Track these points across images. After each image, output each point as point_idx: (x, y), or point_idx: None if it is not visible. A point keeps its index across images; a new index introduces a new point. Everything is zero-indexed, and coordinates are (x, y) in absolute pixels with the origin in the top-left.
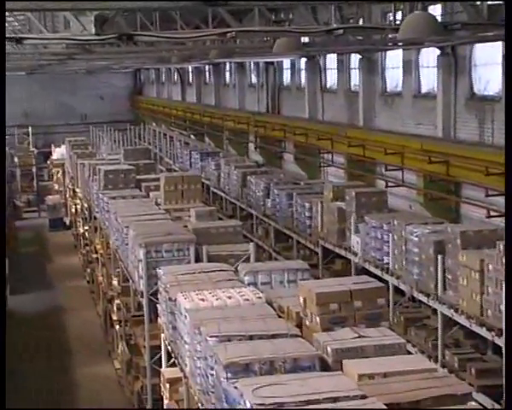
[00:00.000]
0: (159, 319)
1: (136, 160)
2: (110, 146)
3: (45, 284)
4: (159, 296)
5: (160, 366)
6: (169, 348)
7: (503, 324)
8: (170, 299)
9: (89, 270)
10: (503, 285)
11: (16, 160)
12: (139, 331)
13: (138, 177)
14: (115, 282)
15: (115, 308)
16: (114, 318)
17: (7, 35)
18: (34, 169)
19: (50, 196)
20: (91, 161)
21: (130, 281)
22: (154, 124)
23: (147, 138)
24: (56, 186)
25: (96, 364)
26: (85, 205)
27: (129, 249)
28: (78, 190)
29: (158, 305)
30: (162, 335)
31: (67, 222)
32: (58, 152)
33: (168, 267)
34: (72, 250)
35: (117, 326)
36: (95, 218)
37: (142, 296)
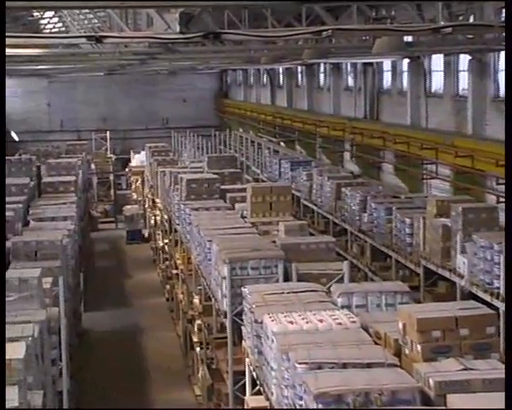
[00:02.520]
0: (243, 343)
1: (221, 168)
2: (193, 153)
3: (122, 300)
4: (243, 317)
5: (244, 394)
6: (254, 374)
7: (504, 324)
8: (256, 321)
9: (168, 286)
10: None
11: (93, 166)
12: (221, 355)
13: (223, 187)
14: (196, 300)
15: (196, 329)
16: (195, 339)
17: (87, 33)
18: (111, 177)
19: (128, 206)
20: (173, 169)
21: (213, 300)
22: (240, 129)
23: (233, 145)
24: (135, 195)
25: (175, 389)
26: (165, 216)
27: (212, 265)
28: (157, 200)
29: (242, 327)
30: (247, 360)
31: (146, 234)
32: (137, 159)
33: (254, 286)
34: (151, 265)
35: (197, 349)
36: (175, 230)
37: (225, 317)
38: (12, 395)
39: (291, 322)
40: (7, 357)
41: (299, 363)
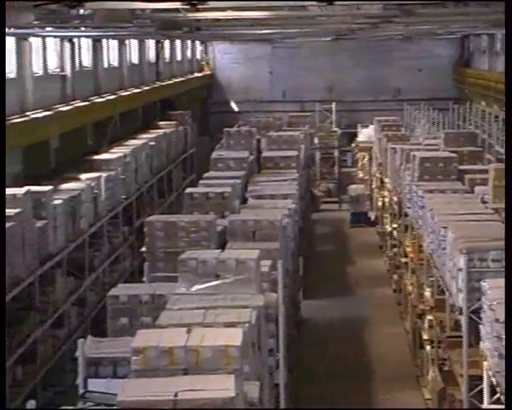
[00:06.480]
0: (481, 344)
1: (460, 146)
2: (427, 128)
3: (344, 289)
4: (482, 315)
5: (481, 402)
6: (493, 380)
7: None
8: (496, 320)
9: (395, 276)
10: None
11: (316, 141)
12: (455, 356)
13: (461, 167)
14: (428, 293)
15: (426, 326)
16: (425, 337)
17: None
18: (336, 153)
19: (353, 186)
20: (404, 146)
21: (447, 294)
22: (483, 103)
23: (473, 120)
24: (361, 174)
25: (401, 390)
26: (395, 198)
27: (446, 255)
28: (386, 179)
29: (480, 326)
30: (485, 363)
31: (372, 217)
32: (365, 133)
33: (495, 280)
34: (377, 252)
35: (428, 347)
36: (405, 215)
37: (460, 314)
38: (228, 385)
39: None
40: (223, 343)
41: None
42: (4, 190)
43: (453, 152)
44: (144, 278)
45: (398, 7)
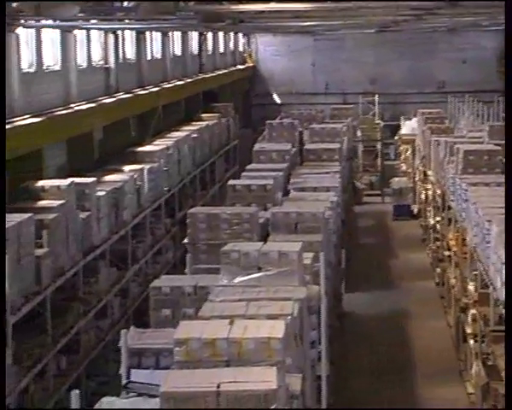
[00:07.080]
0: None
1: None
2: (472, 121)
3: (386, 282)
4: None
5: None
6: None
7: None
8: None
9: (438, 270)
10: None
11: (359, 133)
12: (499, 350)
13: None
14: (471, 287)
15: (470, 319)
16: (468, 331)
17: None
18: (379, 145)
19: (396, 179)
20: (448, 139)
21: (491, 288)
22: None
23: None
24: (404, 167)
25: (443, 384)
26: (438, 191)
27: (490, 249)
28: (429, 172)
29: None
30: None
31: (415, 210)
32: (408, 126)
33: None
34: (419, 245)
35: (471, 341)
36: (449, 207)
37: (504, 307)
38: (270, 377)
39: None
40: (265, 335)
41: None
42: (4, 190)
43: (498, 145)
44: (186, 270)
45: None
